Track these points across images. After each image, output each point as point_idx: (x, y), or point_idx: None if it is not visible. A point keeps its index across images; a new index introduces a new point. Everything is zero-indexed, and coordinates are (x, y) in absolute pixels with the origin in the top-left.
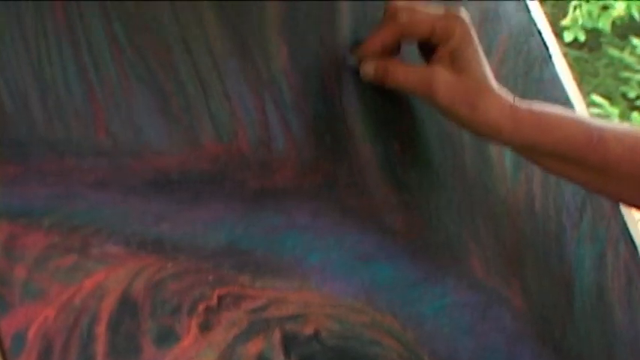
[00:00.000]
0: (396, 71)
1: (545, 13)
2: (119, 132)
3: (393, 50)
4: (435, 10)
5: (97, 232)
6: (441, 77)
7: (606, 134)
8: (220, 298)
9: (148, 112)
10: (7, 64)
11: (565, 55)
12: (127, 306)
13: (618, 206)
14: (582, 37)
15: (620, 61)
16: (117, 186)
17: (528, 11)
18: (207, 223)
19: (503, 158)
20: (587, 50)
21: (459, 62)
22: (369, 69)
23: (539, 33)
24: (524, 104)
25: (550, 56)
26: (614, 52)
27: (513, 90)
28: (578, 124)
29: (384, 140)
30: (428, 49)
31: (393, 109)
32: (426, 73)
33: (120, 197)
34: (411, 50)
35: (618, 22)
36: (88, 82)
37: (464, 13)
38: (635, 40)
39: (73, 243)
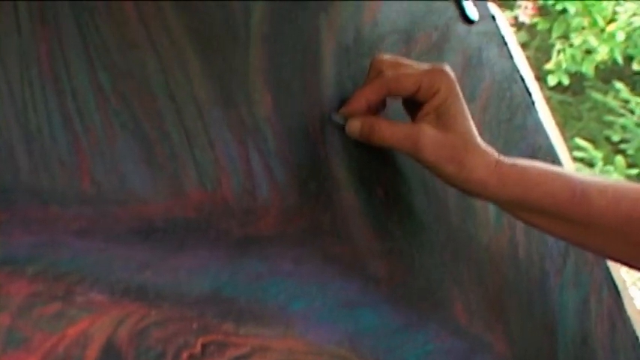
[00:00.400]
0: (382, 129)
1: (528, 57)
2: (104, 180)
3: (378, 107)
4: (420, 65)
5: (81, 280)
6: (427, 134)
7: (589, 188)
8: (204, 346)
9: (132, 161)
10: None
11: (549, 99)
12: (110, 354)
13: None
14: (566, 81)
15: (604, 105)
16: (101, 234)
17: (511, 57)
18: (191, 271)
19: (487, 204)
20: (570, 94)
21: (444, 119)
22: (354, 127)
23: (522, 79)
24: (508, 160)
25: (533, 102)
26: (597, 95)
27: (496, 136)
28: (562, 178)
29: (368, 187)
30: (413, 105)
31: (376, 155)
32: (412, 131)
33: (104, 245)
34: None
35: (602, 67)
36: (73, 130)
37: (448, 68)
38: (618, 85)
39: (57, 291)
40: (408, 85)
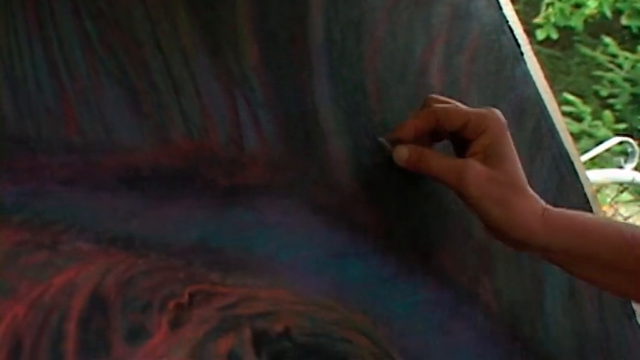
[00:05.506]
0: (430, 159)
1: (517, 11)
2: (90, 129)
3: (425, 138)
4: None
5: (67, 229)
6: (474, 169)
7: (638, 232)
8: (191, 296)
9: (118, 109)
10: None
11: (537, 53)
12: (97, 303)
13: (588, 203)
14: (555, 36)
15: (592, 59)
16: (88, 183)
17: (500, 8)
18: (178, 220)
19: None
20: (559, 48)
21: (492, 158)
22: (403, 153)
23: (511, 30)
24: (555, 208)
25: (521, 54)
26: (586, 50)
27: (485, 88)
28: (611, 225)
29: (355, 137)
30: (460, 144)
31: (364, 106)
32: (459, 164)
33: (91, 194)
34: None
35: (590, 21)
36: (59, 79)
37: (498, 111)
38: (606, 39)
39: (44, 240)
40: (456, 118)
